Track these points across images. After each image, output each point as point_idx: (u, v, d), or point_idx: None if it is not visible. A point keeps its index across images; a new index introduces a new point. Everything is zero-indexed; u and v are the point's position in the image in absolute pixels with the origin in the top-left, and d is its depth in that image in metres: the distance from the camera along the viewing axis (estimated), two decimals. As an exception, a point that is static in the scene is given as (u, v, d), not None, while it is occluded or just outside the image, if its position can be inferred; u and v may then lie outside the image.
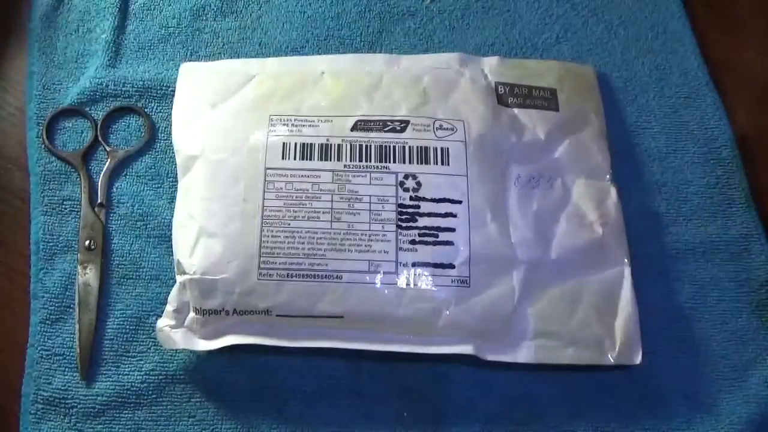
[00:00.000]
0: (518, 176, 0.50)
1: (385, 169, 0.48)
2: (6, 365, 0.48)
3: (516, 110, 0.52)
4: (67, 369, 0.48)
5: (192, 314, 0.46)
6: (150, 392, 0.47)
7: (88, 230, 0.51)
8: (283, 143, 0.49)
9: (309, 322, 0.46)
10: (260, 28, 0.59)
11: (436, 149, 0.49)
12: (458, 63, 0.54)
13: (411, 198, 0.48)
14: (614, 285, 0.48)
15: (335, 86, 0.52)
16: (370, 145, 0.49)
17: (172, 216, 0.50)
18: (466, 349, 0.46)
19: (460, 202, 0.48)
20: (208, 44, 0.58)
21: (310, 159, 0.49)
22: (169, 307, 0.47)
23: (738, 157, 0.55)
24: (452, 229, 0.47)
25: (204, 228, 0.47)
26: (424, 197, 0.48)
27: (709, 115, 0.57)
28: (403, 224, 0.47)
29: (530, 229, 0.48)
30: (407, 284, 0.46)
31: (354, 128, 0.50)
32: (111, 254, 0.51)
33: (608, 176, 0.51)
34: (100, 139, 0.54)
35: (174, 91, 0.54)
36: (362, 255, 0.46)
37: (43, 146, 0.53)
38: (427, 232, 0.47)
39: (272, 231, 0.47)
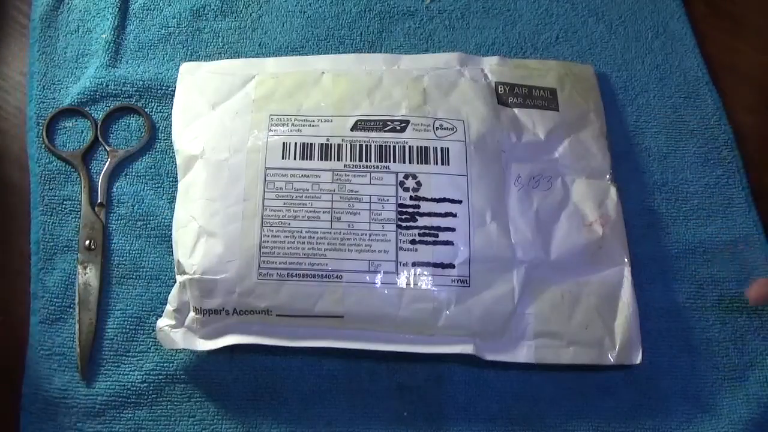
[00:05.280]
0: (518, 176, 0.50)
1: (385, 169, 0.48)
2: (6, 365, 0.48)
3: (516, 110, 0.52)
4: (67, 369, 0.48)
5: (192, 314, 0.46)
6: (150, 392, 0.47)
7: (88, 230, 0.51)
8: (283, 143, 0.49)
9: (309, 321, 0.46)
10: (260, 28, 0.59)
11: (436, 149, 0.49)
12: (458, 63, 0.54)
13: (411, 198, 0.48)
14: (614, 285, 0.48)
15: (335, 86, 0.52)
16: (370, 145, 0.49)
17: (172, 216, 0.50)
18: (466, 348, 0.46)
19: (460, 201, 0.48)
20: (208, 44, 0.58)
21: (310, 159, 0.49)
22: (169, 307, 0.47)
23: (738, 157, 0.55)
24: (452, 229, 0.47)
25: (204, 228, 0.47)
26: (424, 197, 0.48)
27: (709, 115, 0.57)
28: (403, 224, 0.47)
29: (530, 229, 0.48)
30: (407, 284, 0.46)
31: (354, 128, 0.50)
32: (111, 254, 0.51)
33: (608, 176, 0.51)
34: (100, 139, 0.54)
35: (174, 91, 0.54)
36: (362, 255, 0.46)
37: (43, 146, 0.53)
38: (427, 231, 0.47)
39: (272, 231, 0.47)
